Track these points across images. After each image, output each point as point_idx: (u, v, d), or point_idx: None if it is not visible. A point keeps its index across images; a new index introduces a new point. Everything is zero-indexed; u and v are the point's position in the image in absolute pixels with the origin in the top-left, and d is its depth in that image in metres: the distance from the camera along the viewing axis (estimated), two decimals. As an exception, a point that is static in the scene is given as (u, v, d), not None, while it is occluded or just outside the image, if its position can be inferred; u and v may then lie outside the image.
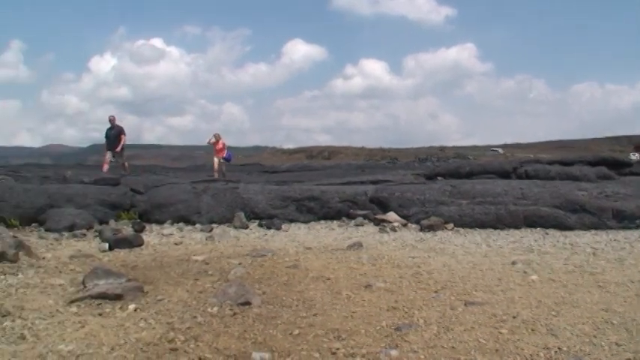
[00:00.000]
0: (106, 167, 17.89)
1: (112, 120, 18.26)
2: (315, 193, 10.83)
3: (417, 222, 9.74)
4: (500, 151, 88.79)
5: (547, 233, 9.01)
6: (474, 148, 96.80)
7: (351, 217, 10.39)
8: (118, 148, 17.92)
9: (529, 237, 8.69)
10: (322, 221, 10.38)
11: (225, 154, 20.48)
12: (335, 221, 10.32)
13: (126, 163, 18.67)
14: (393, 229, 9.27)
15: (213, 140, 20.37)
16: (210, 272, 5.78)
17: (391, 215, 10.05)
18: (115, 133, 17.99)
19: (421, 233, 9.02)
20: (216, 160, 20.33)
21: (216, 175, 19.34)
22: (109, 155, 17.93)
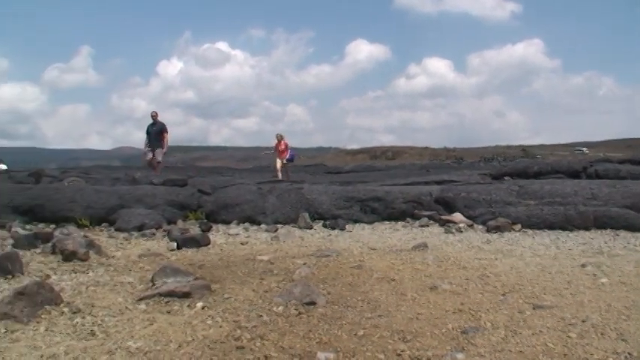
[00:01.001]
0: (160, 166, 17.72)
1: (154, 116, 17.73)
2: (379, 194, 10.77)
3: (484, 223, 9.56)
4: (586, 150, 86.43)
5: (618, 235, 8.70)
6: (541, 147, 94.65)
7: (415, 217, 10.28)
8: (165, 149, 17.63)
9: (599, 239, 8.40)
10: (386, 222, 10.30)
11: (287, 154, 20.18)
12: (399, 222, 10.23)
13: (160, 162, 17.90)
14: (459, 230, 9.14)
15: (276, 141, 20.16)
16: (275, 272, 5.81)
17: (457, 216, 9.90)
18: (156, 130, 17.54)
19: (488, 234, 8.85)
20: (278, 161, 20.07)
21: (279, 176, 18.98)
22: (149, 154, 17.56)
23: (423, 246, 7.38)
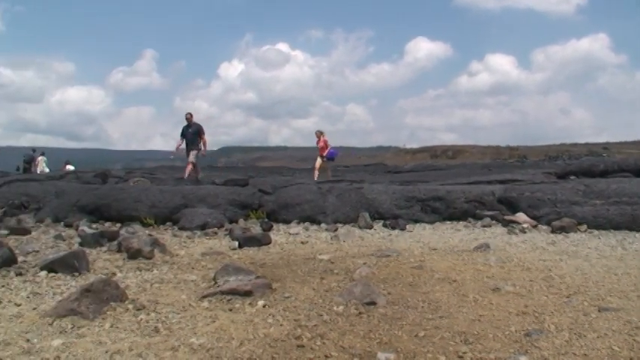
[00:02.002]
0: (189, 168, 17.05)
1: (188, 118, 17.23)
2: (440, 193, 10.66)
3: (548, 223, 9.34)
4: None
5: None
6: (608, 144, 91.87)
7: (477, 217, 10.14)
8: (203, 151, 17.26)
9: (668, 240, 8.13)
10: (448, 222, 10.19)
11: (327, 152, 19.10)
12: (461, 222, 10.10)
13: (195, 166, 17.24)
14: (522, 231, 8.95)
15: (316, 139, 19.26)
16: (335, 271, 5.81)
17: (520, 216, 9.72)
18: (192, 132, 17.04)
19: (552, 235, 8.65)
20: (318, 159, 19.22)
21: (315, 175, 18.42)
22: (192, 156, 16.92)
23: (485, 247, 7.26)
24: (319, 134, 19.40)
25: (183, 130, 17.27)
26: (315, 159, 19.68)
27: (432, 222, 10.15)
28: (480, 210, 10.29)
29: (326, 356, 3.38)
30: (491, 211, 10.14)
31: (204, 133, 17.29)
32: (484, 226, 9.53)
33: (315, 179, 17.35)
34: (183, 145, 17.44)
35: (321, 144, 19.12)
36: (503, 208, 10.34)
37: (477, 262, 6.31)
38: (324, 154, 19.12)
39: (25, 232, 8.70)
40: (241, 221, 10.19)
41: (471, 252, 7.08)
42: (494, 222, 9.76)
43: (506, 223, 9.51)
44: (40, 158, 30.32)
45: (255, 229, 9.33)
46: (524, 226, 9.20)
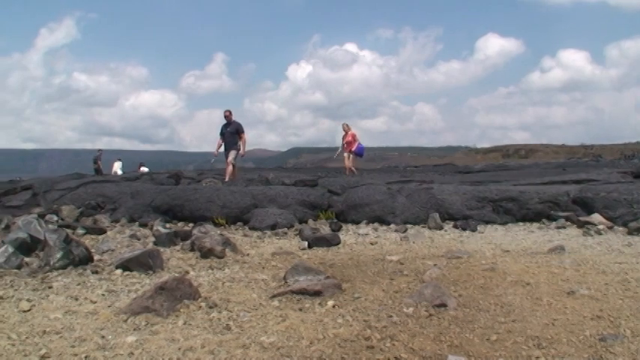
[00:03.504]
0: (230, 170, 16.30)
1: (227, 116, 16.52)
2: (512, 194, 10.45)
3: (625, 224, 9.05)
4: None
5: None
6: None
7: (551, 218, 9.90)
8: (242, 151, 16.47)
9: None
10: (520, 223, 9.99)
11: (355, 147, 18.05)
12: (534, 223, 9.88)
13: (234, 167, 16.48)
14: (598, 232, 8.69)
15: (343, 134, 18.11)
16: (405, 272, 5.78)
17: (595, 217, 9.43)
18: (231, 131, 16.31)
19: (629, 237, 8.36)
20: (345, 155, 18.20)
21: (353, 171, 17.62)
22: (231, 156, 16.19)
23: (560, 249, 7.09)
24: (347, 127, 18.34)
25: (222, 129, 16.66)
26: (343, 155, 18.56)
27: (504, 223, 9.97)
28: (554, 211, 10.05)
29: (396, 358, 3.37)
30: (565, 212, 9.90)
31: (243, 132, 16.55)
32: (558, 228, 9.30)
33: (353, 173, 17.06)
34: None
35: (349, 138, 18.15)
36: (577, 209, 10.07)
37: (551, 265, 6.16)
38: (353, 149, 18.13)
39: (101, 231, 9.00)
40: (311, 221, 10.25)
41: (545, 254, 6.92)
42: (568, 223, 9.51)
43: (581, 225, 9.25)
44: (116, 164, 31.27)
45: (325, 229, 9.37)
46: (600, 227, 8.93)
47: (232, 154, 16.29)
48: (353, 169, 18.29)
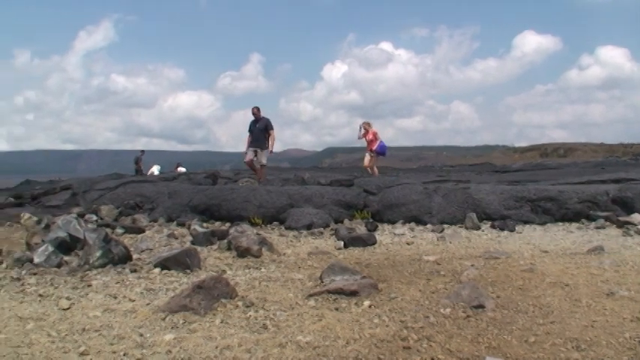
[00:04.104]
0: (261, 171, 15.48)
1: (255, 113, 15.62)
2: (551, 194, 10.29)
3: (666, 225, 8.86)
4: None
5: None
6: None
7: (591, 218, 9.73)
8: (271, 149, 15.51)
9: None
10: (559, 223, 9.83)
11: (376, 146, 17.04)
12: (573, 223, 9.72)
13: (264, 166, 15.64)
14: (638, 233, 8.50)
15: (363, 132, 17.21)
16: (442, 273, 5.74)
17: (635, 217, 9.24)
18: (260, 127, 15.37)
19: (671, 237, 8.19)
20: (367, 155, 17.36)
21: (374, 172, 17.04)
22: (250, 154, 15.24)
23: (599, 249, 6.96)
24: (367, 126, 17.43)
25: (250, 126, 15.75)
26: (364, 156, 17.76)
27: (542, 223, 9.81)
28: (593, 211, 9.88)
29: (432, 359, 3.35)
30: (605, 212, 9.72)
31: (272, 128, 15.60)
32: (598, 228, 9.13)
33: (370, 174, 16.57)
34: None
35: (370, 137, 17.18)
36: (617, 209, 9.90)
37: (590, 266, 6.05)
38: (374, 147, 17.16)
39: (140, 230, 9.13)
40: (346, 221, 10.24)
41: (584, 255, 6.80)
42: (608, 223, 9.34)
43: (620, 225, 9.08)
44: (154, 167, 31.60)
45: (360, 229, 9.34)
46: (640, 227, 8.75)
47: (265, 155, 15.52)
48: (375, 169, 17.60)
